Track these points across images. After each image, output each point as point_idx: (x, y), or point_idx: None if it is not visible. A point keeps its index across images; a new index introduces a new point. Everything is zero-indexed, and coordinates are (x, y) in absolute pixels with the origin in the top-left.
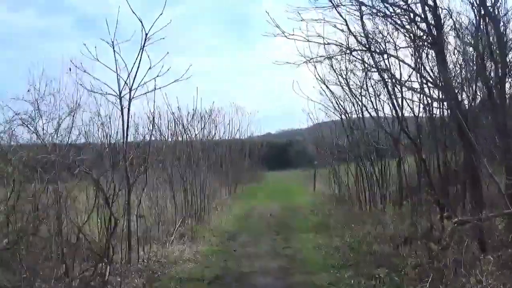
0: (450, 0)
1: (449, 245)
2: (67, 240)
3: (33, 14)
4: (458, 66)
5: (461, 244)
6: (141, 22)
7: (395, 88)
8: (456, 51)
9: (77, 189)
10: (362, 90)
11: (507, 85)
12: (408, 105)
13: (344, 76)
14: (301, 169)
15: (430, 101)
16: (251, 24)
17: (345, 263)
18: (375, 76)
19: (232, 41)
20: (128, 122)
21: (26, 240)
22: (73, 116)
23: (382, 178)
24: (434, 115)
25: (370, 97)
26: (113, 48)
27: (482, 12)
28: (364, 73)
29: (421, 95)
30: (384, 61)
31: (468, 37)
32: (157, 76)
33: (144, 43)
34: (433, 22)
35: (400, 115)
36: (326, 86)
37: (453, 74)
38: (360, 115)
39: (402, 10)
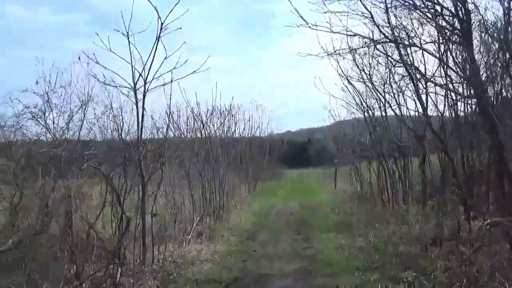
0: None
1: (481, 247)
2: (77, 238)
3: (49, 11)
4: (483, 63)
5: (492, 246)
6: (156, 10)
7: (420, 84)
8: (480, 48)
9: (89, 186)
10: (386, 86)
11: None
12: (433, 101)
13: (368, 72)
14: (321, 167)
15: (455, 98)
16: (270, 23)
17: (370, 265)
18: (399, 71)
19: (251, 40)
20: (142, 115)
21: (34, 239)
22: (85, 109)
23: (404, 176)
24: (459, 112)
25: (393, 94)
26: (128, 38)
27: None
28: (388, 69)
29: (447, 91)
30: (409, 56)
31: (495, 34)
32: (174, 68)
33: (160, 33)
34: (462, 15)
35: (425, 111)
36: (349, 81)
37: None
38: (383, 112)
39: (430, 3)
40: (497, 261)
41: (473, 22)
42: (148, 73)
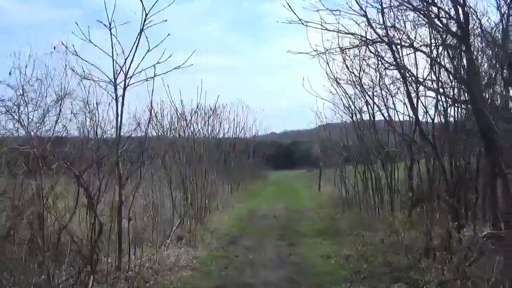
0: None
1: (477, 260)
2: (49, 242)
3: (42, 5)
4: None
5: (489, 259)
6: (141, 1)
7: (411, 88)
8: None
9: (65, 185)
10: (375, 89)
11: None
12: (423, 105)
13: (357, 74)
14: (306, 170)
15: (447, 103)
16: (260, 24)
17: (358, 275)
18: (390, 74)
19: (241, 40)
20: (122, 111)
21: (1, 243)
22: (61, 104)
23: (392, 181)
24: (449, 118)
25: (383, 97)
26: (110, 30)
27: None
28: (378, 71)
29: (438, 96)
30: (402, 59)
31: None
32: (157, 62)
33: (143, 24)
34: (461, 18)
35: (416, 115)
36: (338, 82)
37: None
38: (372, 116)
39: (427, 4)
40: (494, 275)
41: (471, 26)
42: (129, 67)
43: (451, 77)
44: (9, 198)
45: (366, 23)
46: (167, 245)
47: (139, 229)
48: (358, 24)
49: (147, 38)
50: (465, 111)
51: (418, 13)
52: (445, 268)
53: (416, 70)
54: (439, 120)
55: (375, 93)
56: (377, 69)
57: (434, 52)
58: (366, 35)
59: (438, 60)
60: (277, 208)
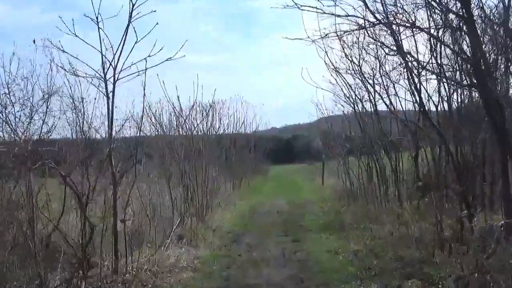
0: None
1: (494, 251)
2: (41, 245)
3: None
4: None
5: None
6: None
7: (413, 74)
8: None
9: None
10: (375, 78)
11: None
12: (426, 91)
13: (357, 63)
14: (307, 163)
15: (449, 87)
16: (255, 20)
17: (368, 272)
18: (390, 60)
19: (237, 37)
20: (113, 107)
21: None
22: (47, 102)
23: (397, 171)
24: (452, 103)
25: (384, 85)
26: (97, 23)
27: None
28: (378, 59)
29: (440, 80)
30: (401, 42)
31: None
32: (149, 56)
33: (131, 15)
34: None
35: (421, 102)
36: (337, 71)
37: None
38: (374, 104)
39: None
40: None
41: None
42: (118, 60)
43: (452, 60)
44: None
45: (364, 8)
46: (167, 245)
47: (138, 229)
48: (355, 9)
49: (134, 29)
50: (468, 96)
51: None
52: (461, 262)
53: (417, 54)
54: (441, 106)
55: (375, 81)
56: (376, 56)
57: (435, 34)
58: (364, 19)
59: (442, 41)
60: (280, 204)
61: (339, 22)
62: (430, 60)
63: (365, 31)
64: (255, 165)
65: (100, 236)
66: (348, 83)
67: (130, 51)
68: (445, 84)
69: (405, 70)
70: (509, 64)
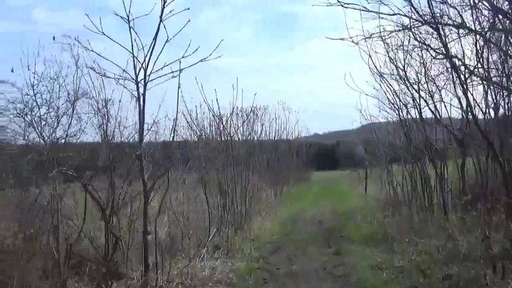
0: None
1: None
2: (65, 255)
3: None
4: None
5: None
6: None
7: (461, 79)
8: None
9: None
10: (420, 84)
11: None
12: (474, 99)
13: (402, 68)
14: (350, 170)
15: (497, 93)
16: (295, 24)
17: None
18: (436, 66)
19: (277, 41)
20: (144, 111)
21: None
22: (73, 105)
23: (443, 181)
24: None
25: (430, 91)
26: (128, 23)
27: None
28: (423, 65)
29: (489, 87)
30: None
31: None
32: (183, 57)
33: (162, 11)
34: None
35: (471, 109)
36: (382, 76)
37: None
38: (419, 111)
39: None
40: None
41: None
42: (148, 61)
43: (500, 64)
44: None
45: (410, 8)
46: (202, 256)
47: (171, 238)
48: (400, 10)
49: (165, 27)
50: None
51: None
52: None
53: (463, 58)
54: (488, 114)
55: (420, 87)
56: (422, 60)
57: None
58: (410, 17)
59: (492, 45)
60: (322, 211)
61: (383, 24)
62: (477, 65)
63: (410, 33)
64: (297, 171)
65: (129, 245)
66: (393, 88)
67: (161, 51)
68: (492, 89)
69: (452, 75)
70: None
